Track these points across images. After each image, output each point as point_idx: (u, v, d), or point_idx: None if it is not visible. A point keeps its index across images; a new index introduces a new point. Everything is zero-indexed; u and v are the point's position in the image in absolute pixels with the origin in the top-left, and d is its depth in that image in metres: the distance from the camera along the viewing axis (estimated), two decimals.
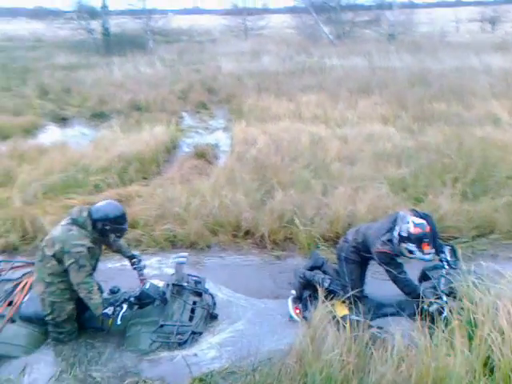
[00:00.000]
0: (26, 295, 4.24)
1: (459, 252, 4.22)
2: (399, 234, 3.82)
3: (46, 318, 3.96)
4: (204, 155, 8.89)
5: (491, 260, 5.03)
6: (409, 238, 3.75)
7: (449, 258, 4.06)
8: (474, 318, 3.42)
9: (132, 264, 4.43)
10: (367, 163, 7.61)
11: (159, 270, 5.13)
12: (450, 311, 3.59)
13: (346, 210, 5.92)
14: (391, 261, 3.89)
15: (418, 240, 3.73)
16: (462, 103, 11.52)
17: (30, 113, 12.61)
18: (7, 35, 36.14)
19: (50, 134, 11.41)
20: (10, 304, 4.20)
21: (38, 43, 31.99)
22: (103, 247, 4.27)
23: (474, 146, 7.88)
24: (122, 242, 4.48)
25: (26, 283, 4.36)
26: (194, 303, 4.38)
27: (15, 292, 4.31)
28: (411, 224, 3.79)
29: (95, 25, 27.89)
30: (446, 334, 3.34)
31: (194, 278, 4.66)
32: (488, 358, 3.22)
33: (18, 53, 25.56)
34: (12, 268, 4.71)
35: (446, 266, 4.03)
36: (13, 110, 12.72)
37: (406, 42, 24.56)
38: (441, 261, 4.08)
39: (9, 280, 4.47)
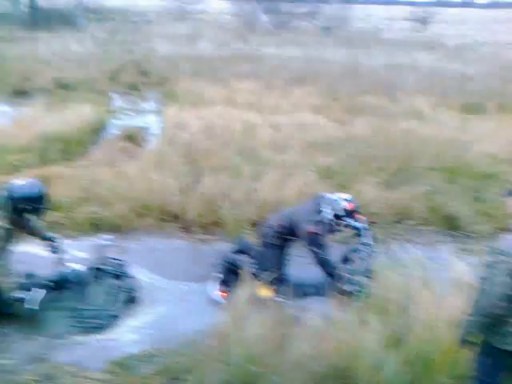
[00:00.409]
0: None
1: (378, 236, 4.44)
2: (335, 215, 4.05)
3: None
4: (133, 138, 8.63)
5: (407, 244, 5.30)
6: (345, 215, 4.08)
7: (367, 242, 4.25)
8: (385, 296, 3.58)
9: (50, 247, 4.23)
10: (298, 151, 7.72)
11: (80, 253, 4.90)
12: (366, 290, 3.74)
13: (274, 195, 5.98)
14: (320, 242, 4.05)
15: (354, 213, 4.16)
16: (389, 97, 11.98)
17: None
18: None
19: None
20: None
21: None
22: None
23: (398, 138, 8.23)
24: (40, 224, 4.25)
25: None
26: (115, 287, 4.27)
27: None
28: (344, 202, 4.09)
29: None
30: (361, 310, 3.49)
31: (116, 262, 4.54)
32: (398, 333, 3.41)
33: None
34: None
35: (365, 249, 4.20)
36: None
37: (341, 36, 25.13)
38: (360, 244, 4.26)
39: None
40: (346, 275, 4.01)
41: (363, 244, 4.24)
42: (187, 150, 7.50)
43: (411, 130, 8.89)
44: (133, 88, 13.45)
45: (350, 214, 4.11)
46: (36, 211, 3.82)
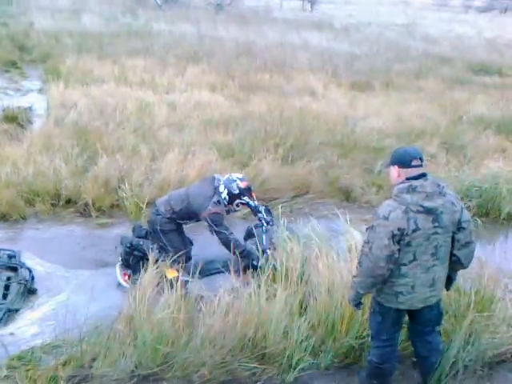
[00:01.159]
0: None
1: (274, 211, 4.65)
2: (230, 194, 4.10)
3: None
4: (15, 119, 7.90)
5: (306, 217, 5.55)
6: (241, 193, 4.15)
7: (265, 217, 4.40)
8: (288, 267, 3.73)
9: None
10: (196, 130, 7.64)
11: None
12: (270, 263, 3.87)
13: (176, 174, 5.89)
14: (222, 222, 4.08)
15: (248, 191, 4.24)
16: (283, 75, 12.29)
17: None
18: None
19: None
20: None
21: None
22: None
23: (293, 115, 8.50)
24: None
25: None
26: (8, 279, 3.98)
27: None
28: (238, 181, 4.14)
29: None
30: (267, 283, 3.60)
31: (7, 252, 4.21)
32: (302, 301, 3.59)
33: None
34: None
35: (265, 224, 4.34)
36: None
37: (233, 13, 25.10)
38: (259, 220, 4.40)
39: None
40: (251, 251, 4.10)
41: (262, 220, 4.36)
42: (77, 131, 7.09)
43: (305, 107, 9.23)
44: (11, 65, 12.35)
45: (245, 192, 4.19)
46: None
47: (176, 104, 9.02)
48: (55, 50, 13.14)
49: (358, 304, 2.90)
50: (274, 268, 3.82)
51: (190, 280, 3.85)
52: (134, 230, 4.55)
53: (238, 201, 4.18)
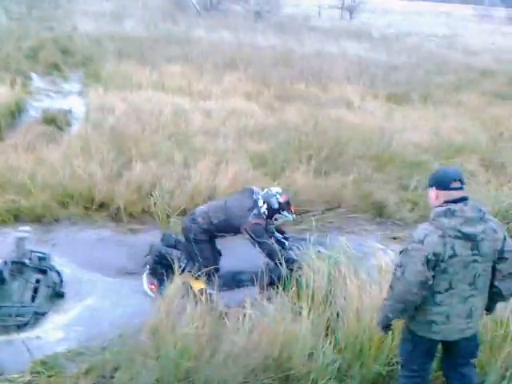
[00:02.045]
0: None
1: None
2: (270, 208, 4.09)
3: None
4: (55, 121, 8.09)
5: (337, 232, 5.43)
6: (282, 208, 4.13)
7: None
8: (316, 285, 3.63)
9: None
10: (230, 138, 7.64)
11: None
12: (298, 279, 3.78)
13: (207, 182, 5.87)
14: (263, 233, 4.05)
15: (288, 205, 4.20)
16: (319, 85, 12.18)
17: None
18: None
19: None
20: None
21: None
22: None
23: (328, 125, 8.38)
24: None
25: None
26: (37, 281, 4.01)
27: None
28: (277, 196, 4.13)
29: None
30: (293, 300, 3.51)
31: (38, 255, 4.26)
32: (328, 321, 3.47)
33: None
34: None
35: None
36: None
37: (271, 21, 25.14)
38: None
39: None
40: (295, 258, 4.05)
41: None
42: (114, 135, 7.17)
43: (340, 118, 9.09)
44: (54, 68, 12.65)
45: (284, 206, 4.15)
46: None
47: (211, 111, 9.05)
48: (96, 54, 13.44)
49: (386, 328, 2.78)
50: (299, 285, 3.73)
51: (216, 292, 3.81)
52: (162, 239, 4.52)
53: (277, 215, 4.16)
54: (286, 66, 14.06)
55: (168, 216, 5.41)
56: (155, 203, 5.51)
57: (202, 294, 3.60)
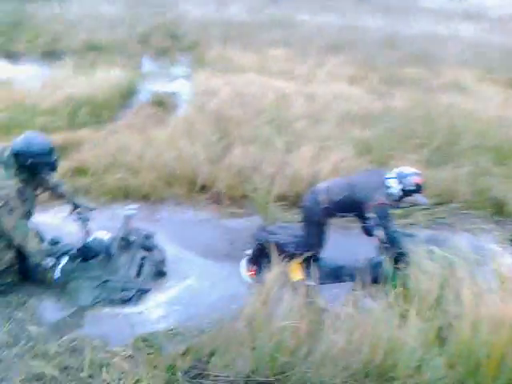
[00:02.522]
0: None
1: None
2: (405, 189, 3.80)
3: None
4: (163, 103, 8.41)
5: (448, 229, 4.99)
6: (416, 189, 3.82)
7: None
8: (425, 288, 3.33)
9: (76, 214, 4.08)
10: (332, 123, 7.37)
11: (106, 221, 4.77)
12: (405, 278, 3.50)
13: (308, 168, 5.71)
14: (388, 215, 3.80)
15: (422, 187, 3.86)
16: (430, 69, 11.39)
17: None
18: None
19: None
20: None
21: None
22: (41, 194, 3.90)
23: (440, 112, 7.77)
24: (66, 188, 4.10)
25: None
26: (142, 259, 4.13)
27: None
28: (414, 176, 3.82)
29: None
30: (399, 301, 3.25)
31: (144, 233, 4.38)
32: (440, 328, 3.15)
33: None
34: None
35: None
36: None
37: (377, 3, 24.01)
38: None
39: None
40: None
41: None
42: (217, 118, 7.24)
43: (454, 105, 8.38)
44: (163, 52, 13.17)
45: (420, 189, 3.84)
46: (42, 165, 3.59)
47: (314, 95, 8.79)
48: (203, 39, 13.72)
49: None
50: (407, 286, 3.44)
51: (316, 284, 3.65)
52: (263, 228, 4.42)
53: (410, 197, 3.85)
54: (392, 48, 13.33)
55: (266, 202, 5.33)
56: (255, 188, 5.47)
57: (300, 284, 3.46)
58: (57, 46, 12.25)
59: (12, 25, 13.94)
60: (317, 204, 3.94)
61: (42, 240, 3.93)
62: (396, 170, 3.89)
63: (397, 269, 3.66)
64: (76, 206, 4.08)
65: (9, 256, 3.64)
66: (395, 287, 3.44)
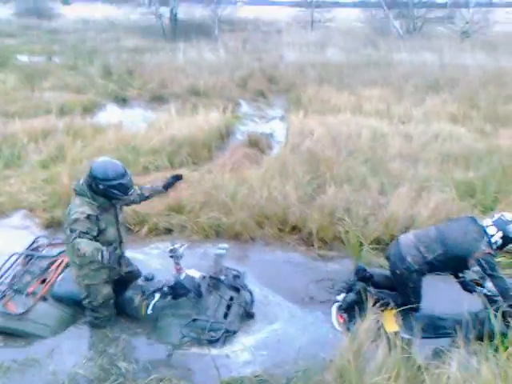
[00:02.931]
0: (59, 274, 4.12)
1: None
2: (506, 236, 3.51)
3: (83, 302, 3.81)
4: (257, 144, 8.57)
5: None
6: None
7: None
8: None
9: (170, 251, 4.18)
10: (431, 164, 7.02)
11: (197, 260, 4.86)
12: None
13: (405, 212, 5.42)
14: (495, 265, 3.50)
15: None
16: None
17: (92, 92, 12.76)
18: (82, 18, 37.27)
19: (108, 114, 11.47)
20: (43, 282, 4.09)
21: (109, 26, 32.65)
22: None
23: None
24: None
25: (61, 262, 4.25)
26: (231, 299, 4.11)
27: (50, 270, 4.20)
28: None
29: (164, 10, 28.18)
30: (508, 363, 2.87)
31: (233, 272, 4.38)
32: None
33: (90, 34, 26.17)
34: (50, 245, 4.62)
35: None
36: (76, 88, 12.95)
37: (480, 40, 23.03)
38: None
39: (45, 257, 4.37)
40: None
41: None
42: (310, 158, 7.20)
43: None
44: (260, 94, 13.59)
45: None
46: (112, 189, 3.48)
47: (411, 135, 8.49)
48: (299, 81, 13.98)
49: None
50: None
51: (412, 338, 3.36)
52: (357, 272, 4.21)
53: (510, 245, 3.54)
54: (497, 85, 12.55)
55: (360, 244, 5.12)
56: (347, 230, 5.29)
57: (394, 336, 3.20)
58: (163, 92, 13.14)
59: (125, 73, 15.30)
60: (407, 269, 3.64)
61: (138, 276, 4.08)
62: (495, 217, 3.58)
63: (508, 325, 3.27)
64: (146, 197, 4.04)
65: (106, 291, 3.78)
66: (506, 346, 3.06)
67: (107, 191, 3.51)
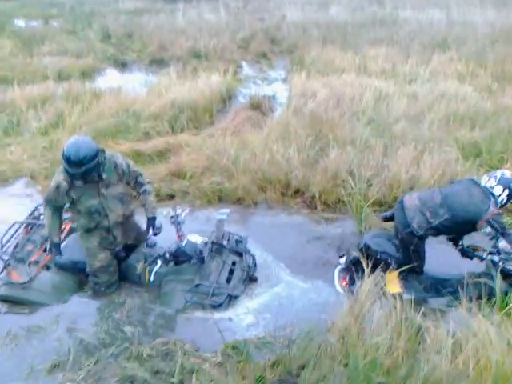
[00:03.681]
0: (62, 241, 4.11)
1: None
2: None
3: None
4: (259, 106, 8.42)
5: None
6: None
7: None
8: None
9: (171, 217, 4.15)
10: (436, 124, 6.88)
11: (200, 225, 4.85)
12: None
13: (408, 173, 5.36)
14: (503, 223, 3.47)
15: None
16: None
17: (91, 56, 12.52)
18: None
19: (108, 78, 11.30)
20: (45, 250, 4.10)
21: None
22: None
23: None
24: (150, 198, 3.95)
25: (63, 229, 4.22)
26: (233, 263, 4.11)
27: None
28: None
29: None
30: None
31: (236, 237, 4.37)
32: None
33: None
34: None
35: None
36: (75, 52, 12.70)
37: None
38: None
39: None
40: None
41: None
42: (313, 120, 7.08)
43: None
44: (262, 56, 13.30)
45: None
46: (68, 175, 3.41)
47: (417, 95, 8.31)
48: (302, 41, 13.62)
49: None
50: None
51: (414, 298, 3.36)
52: (361, 250, 4.10)
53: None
54: (506, 43, 12.18)
55: (361, 207, 5.08)
56: (350, 193, 5.25)
57: (397, 297, 3.20)
58: (163, 55, 12.88)
59: (124, 36, 14.97)
60: (411, 233, 3.57)
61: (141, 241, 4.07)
62: (496, 175, 3.50)
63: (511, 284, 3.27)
64: (153, 219, 3.98)
65: (102, 255, 3.81)
66: (506, 304, 3.07)
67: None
